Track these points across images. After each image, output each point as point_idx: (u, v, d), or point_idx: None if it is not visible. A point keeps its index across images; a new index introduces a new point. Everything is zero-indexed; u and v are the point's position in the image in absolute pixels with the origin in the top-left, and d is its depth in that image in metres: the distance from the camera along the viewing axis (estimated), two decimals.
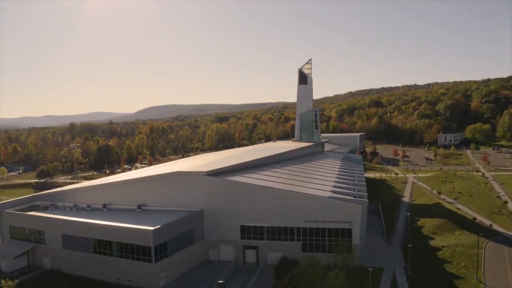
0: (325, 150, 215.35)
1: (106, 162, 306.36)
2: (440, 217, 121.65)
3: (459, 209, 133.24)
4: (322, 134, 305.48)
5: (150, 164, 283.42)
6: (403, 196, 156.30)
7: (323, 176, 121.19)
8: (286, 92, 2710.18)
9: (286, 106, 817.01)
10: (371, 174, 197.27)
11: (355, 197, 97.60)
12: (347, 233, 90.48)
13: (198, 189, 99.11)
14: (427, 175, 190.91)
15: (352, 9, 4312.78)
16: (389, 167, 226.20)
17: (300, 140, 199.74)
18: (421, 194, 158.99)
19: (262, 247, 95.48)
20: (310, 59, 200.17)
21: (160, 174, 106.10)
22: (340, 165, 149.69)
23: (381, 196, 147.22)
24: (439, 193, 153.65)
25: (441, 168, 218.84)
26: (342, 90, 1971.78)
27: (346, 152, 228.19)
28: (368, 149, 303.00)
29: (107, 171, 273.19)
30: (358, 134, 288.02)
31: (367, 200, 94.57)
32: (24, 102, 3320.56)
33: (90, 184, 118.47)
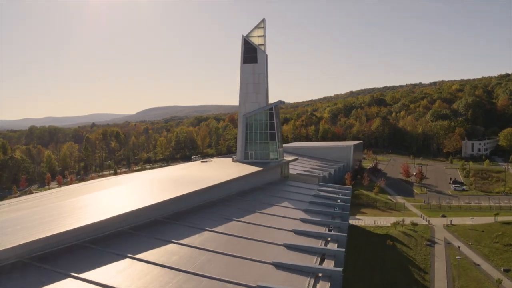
0: (298, 171, 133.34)
1: (9, 180, 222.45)
2: None
3: None
4: (298, 144, 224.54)
5: (60, 185, 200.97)
6: None
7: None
8: (290, 91, 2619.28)
9: (283, 106, 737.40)
10: (367, 221, 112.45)
11: None
12: None
13: None
14: (467, 222, 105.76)
15: (351, 7, 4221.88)
16: (398, 199, 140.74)
17: (245, 159, 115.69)
18: (469, 280, 74.50)
19: None
20: (263, 21, 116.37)
21: None
22: (303, 219, 66.41)
23: None
24: (499, 282, 69.99)
25: (490, 208, 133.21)
26: (343, 89, 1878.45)
27: (330, 174, 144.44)
28: (367, 164, 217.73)
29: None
30: (352, 143, 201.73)
31: None
32: (25, 103, 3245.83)
33: None
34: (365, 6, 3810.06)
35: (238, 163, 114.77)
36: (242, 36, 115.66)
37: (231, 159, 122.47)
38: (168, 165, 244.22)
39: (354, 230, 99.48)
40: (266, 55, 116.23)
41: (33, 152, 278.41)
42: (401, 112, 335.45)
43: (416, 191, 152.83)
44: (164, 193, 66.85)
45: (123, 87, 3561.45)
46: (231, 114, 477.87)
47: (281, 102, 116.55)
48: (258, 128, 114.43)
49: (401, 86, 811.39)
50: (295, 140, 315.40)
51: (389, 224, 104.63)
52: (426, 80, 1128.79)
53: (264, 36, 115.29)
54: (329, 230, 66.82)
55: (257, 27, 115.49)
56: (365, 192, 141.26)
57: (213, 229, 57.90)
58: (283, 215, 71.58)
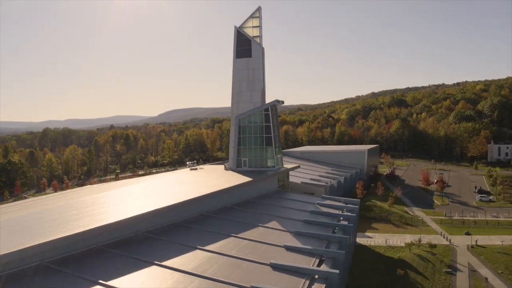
0: (303, 180, 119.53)
1: (7, 185, 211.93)
2: None
3: None
4: (308, 148, 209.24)
5: (56, 190, 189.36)
6: None
7: None
8: (310, 92, 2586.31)
9: (303, 108, 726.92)
10: (378, 239, 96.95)
11: None
12: None
13: None
14: (496, 242, 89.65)
15: (374, 7, 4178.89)
16: (416, 211, 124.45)
17: (237, 167, 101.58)
18: None
19: None
20: (259, 9, 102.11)
21: None
22: (288, 247, 52.30)
23: None
24: None
25: None
26: (365, 90, 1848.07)
27: (339, 182, 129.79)
28: (384, 170, 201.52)
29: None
30: (366, 147, 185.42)
31: None
32: (49, 105, 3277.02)
33: None
34: (389, 7, 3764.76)
35: (230, 171, 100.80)
36: (235, 27, 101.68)
37: (223, 166, 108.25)
38: (175, 169, 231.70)
39: (361, 252, 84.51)
40: (263, 48, 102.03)
41: (37, 156, 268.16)
42: (422, 114, 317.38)
43: (436, 202, 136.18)
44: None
45: (146, 89, 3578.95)
46: None
47: (278, 101, 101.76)
48: (253, 132, 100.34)
49: (423, 87, 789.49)
50: (309, 143, 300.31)
51: (403, 244, 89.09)
52: (449, 81, 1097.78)
53: (259, 26, 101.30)
54: (320, 261, 52.56)
55: (251, 16, 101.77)
56: (378, 203, 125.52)
57: (162, 263, 44.02)
58: (263, 240, 57.36)
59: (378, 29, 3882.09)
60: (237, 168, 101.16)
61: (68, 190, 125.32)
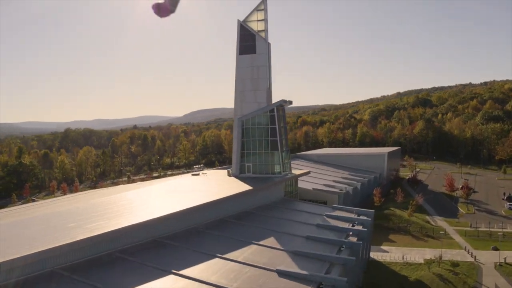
0: (316, 186, 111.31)
1: (18, 187, 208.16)
2: None
3: None
4: (325, 151, 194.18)
5: (64, 193, 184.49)
6: None
7: None
8: (334, 92, 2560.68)
9: (327, 108, 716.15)
10: (395, 253, 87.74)
11: None
12: None
13: None
14: None
15: (401, 7, 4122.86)
16: (439, 220, 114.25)
17: (240, 173, 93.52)
18: None
19: None
20: (263, 1, 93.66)
21: None
22: (281, 272, 44.35)
23: None
24: None
25: None
26: (390, 90, 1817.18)
27: (355, 189, 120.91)
28: (406, 173, 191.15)
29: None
30: (387, 150, 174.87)
31: None
32: (76, 105, 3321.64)
33: None
34: (415, 6, 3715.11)
35: (232, 177, 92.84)
36: (238, 21, 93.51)
37: (226, 171, 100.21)
38: (191, 171, 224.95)
39: (375, 269, 75.71)
40: (269, 44, 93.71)
41: (51, 157, 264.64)
42: (448, 114, 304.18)
43: (461, 210, 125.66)
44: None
45: (174, 89, 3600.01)
46: None
47: (285, 101, 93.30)
48: (257, 135, 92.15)
49: (450, 87, 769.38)
50: (330, 145, 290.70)
51: (422, 261, 79.77)
52: (476, 80, 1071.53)
53: (265, 20, 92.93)
54: None
55: (256, 9, 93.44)
56: (397, 211, 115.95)
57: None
58: (252, 262, 49.17)
59: (404, 28, 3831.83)
60: (240, 174, 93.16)
61: (65, 196, 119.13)
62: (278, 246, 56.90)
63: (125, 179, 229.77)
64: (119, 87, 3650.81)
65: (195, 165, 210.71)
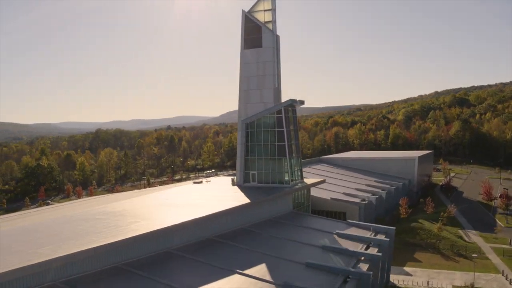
0: (334, 195, 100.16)
1: (36, 190, 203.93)
2: None
3: None
4: (350, 155, 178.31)
5: (79, 196, 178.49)
6: None
7: None
8: (371, 92, 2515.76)
9: (362, 108, 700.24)
10: (419, 277, 75.62)
11: None
12: None
13: None
14: None
15: (438, 6, 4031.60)
16: (473, 235, 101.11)
17: (245, 182, 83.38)
18: None
19: None
20: None
21: None
22: None
23: None
24: None
25: None
26: (428, 90, 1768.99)
27: (380, 198, 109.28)
28: (439, 178, 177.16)
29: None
30: (417, 154, 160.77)
31: None
32: (115, 105, 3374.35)
33: None
34: (456, 4, 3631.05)
35: (236, 187, 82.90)
36: (243, 11, 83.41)
37: (231, 180, 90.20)
38: (216, 174, 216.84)
39: None
40: (277, 36, 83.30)
41: (74, 158, 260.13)
42: (487, 114, 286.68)
43: (499, 223, 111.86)
44: None
45: (213, 88, 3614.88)
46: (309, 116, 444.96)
47: (295, 101, 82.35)
48: (263, 139, 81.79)
49: (489, 86, 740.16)
50: (361, 146, 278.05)
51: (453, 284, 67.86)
52: None
53: (272, 10, 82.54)
54: None
55: None
56: (426, 224, 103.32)
57: None
58: None
59: (443, 26, 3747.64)
60: (245, 183, 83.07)
61: (57, 205, 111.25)
62: (267, 278, 46.65)
63: (145, 182, 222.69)
64: (159, 87, 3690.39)
65: (207, 171, 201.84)
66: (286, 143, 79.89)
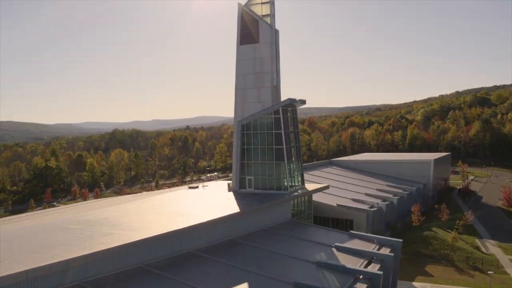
0: (341, 201, 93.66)
1: (44, 191, 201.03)
2: None
3: None
4: (363, 157, 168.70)
5: (85, 198, 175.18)
6: None
7: None
8: (391, 91, 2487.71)
9: (382, 107, 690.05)
10: None
11: None
12: None
13: None
14: None
15: (463, 5, 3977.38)
16: (491, 245, 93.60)
17: (241, 187, 77.47)
18: None
19: None
20: None
21: None
22: None
23: None
24: None
25: None
26: (448, 89, 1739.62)
27: (391, 204, 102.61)
28: (457, 181, 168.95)
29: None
30: (433, 156, 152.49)
31: None
32: (136, 105, 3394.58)
33: None
34: (475, 5, 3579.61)
35: (231, 192, 77.16)
36: (239, 5, 77.54)
37: (227, 185, 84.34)
38: (226, 176, 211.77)
39: None
40: (276, 31, 77.24)
41: (84, 159, 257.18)
42: (509, 114, 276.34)
43: None
44: None
45: (227, 89, 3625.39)
46: (320, 116, 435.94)
47: (294, 100, 76.08)
48: (259, 142, 75.76)
49: None
50: (378, 147, 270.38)
51: None
52: None
53: (271, 3, 76.66)
54: None
55: None
56: (440, 232, 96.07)
57: None
58: None
59: (465, 25, 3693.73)
60: (240, 189, 77.14)
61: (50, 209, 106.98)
62: None
63: (153, 184, 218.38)
64: (179, 87, 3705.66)
65: (208, 174, 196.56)
66: (284, 146, 73.74)
